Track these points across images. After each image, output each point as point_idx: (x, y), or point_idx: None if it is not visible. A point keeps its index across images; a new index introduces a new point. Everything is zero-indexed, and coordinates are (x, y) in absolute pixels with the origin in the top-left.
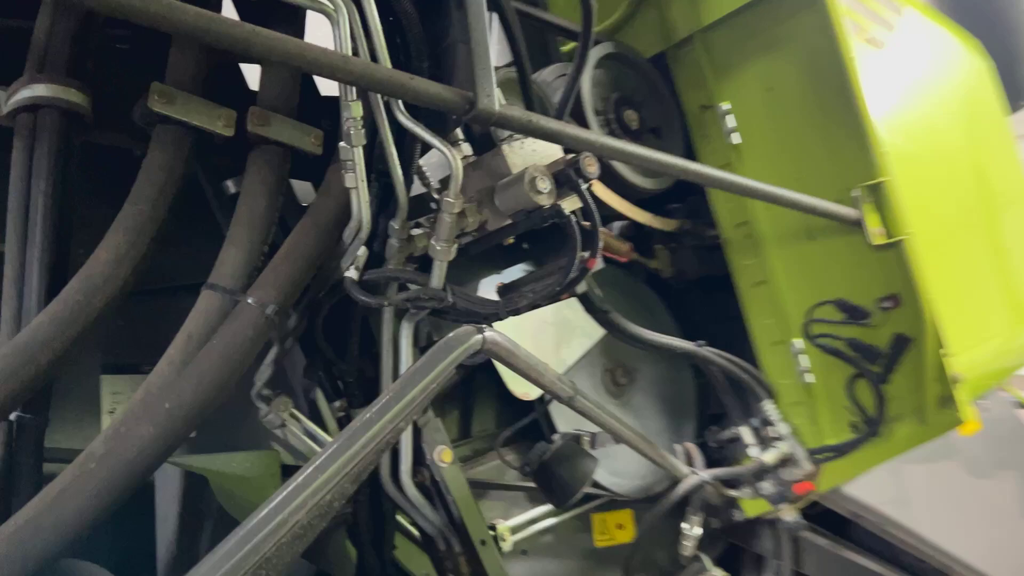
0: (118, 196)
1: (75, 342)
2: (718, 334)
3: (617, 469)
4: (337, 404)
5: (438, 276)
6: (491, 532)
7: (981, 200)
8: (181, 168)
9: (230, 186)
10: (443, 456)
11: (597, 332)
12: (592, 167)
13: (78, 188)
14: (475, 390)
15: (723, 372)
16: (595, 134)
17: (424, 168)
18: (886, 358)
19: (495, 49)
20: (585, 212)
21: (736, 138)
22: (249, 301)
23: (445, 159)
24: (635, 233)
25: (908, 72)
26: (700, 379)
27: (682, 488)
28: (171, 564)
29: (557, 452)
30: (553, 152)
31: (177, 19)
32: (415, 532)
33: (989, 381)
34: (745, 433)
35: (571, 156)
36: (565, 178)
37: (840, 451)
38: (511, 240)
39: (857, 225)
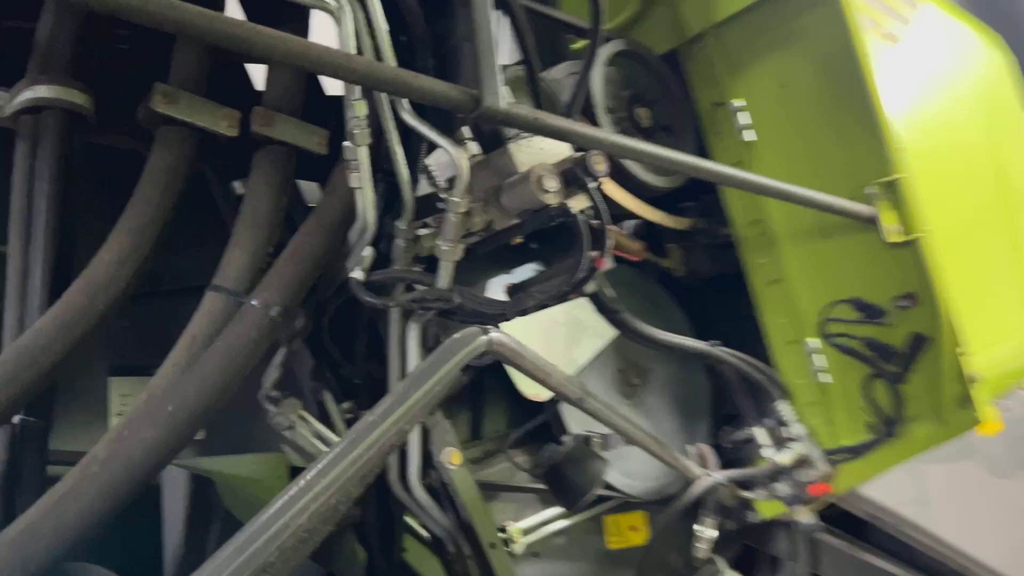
0: (122, 197)
1: (78, 344)
2: (732, 333)
3: (630, 470)
4: (345, 406)
5: (444, 276)
6: (502, 534)
7: (1000, 197)
8: (185, 169)
9: (237, 188)
10: (452, 458)
11: (609, 332)
12: (600, 165)
13: (82, 189)
14: (486, 391)
15: (737, 372)
16: (604, 132)
17: (431, 167)
18: (903, 357)
19: (505, 47)
20: (594, 211)
21: (749, 135)
22: (253, 303)
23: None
24: (647, 232)
25: (924, 67)
26: (714, 379)
27: (696, 490)
28: (178, 567)
29: (567, 454)
30: (561, 151)
31: (177, 18)
32: (425, 534)
33: (1008, 380)
34: (760, 434)
35: (579, 154)
36: (573, 177)
37: (856, 452)
38: (519, 240)
39: (872, 223)
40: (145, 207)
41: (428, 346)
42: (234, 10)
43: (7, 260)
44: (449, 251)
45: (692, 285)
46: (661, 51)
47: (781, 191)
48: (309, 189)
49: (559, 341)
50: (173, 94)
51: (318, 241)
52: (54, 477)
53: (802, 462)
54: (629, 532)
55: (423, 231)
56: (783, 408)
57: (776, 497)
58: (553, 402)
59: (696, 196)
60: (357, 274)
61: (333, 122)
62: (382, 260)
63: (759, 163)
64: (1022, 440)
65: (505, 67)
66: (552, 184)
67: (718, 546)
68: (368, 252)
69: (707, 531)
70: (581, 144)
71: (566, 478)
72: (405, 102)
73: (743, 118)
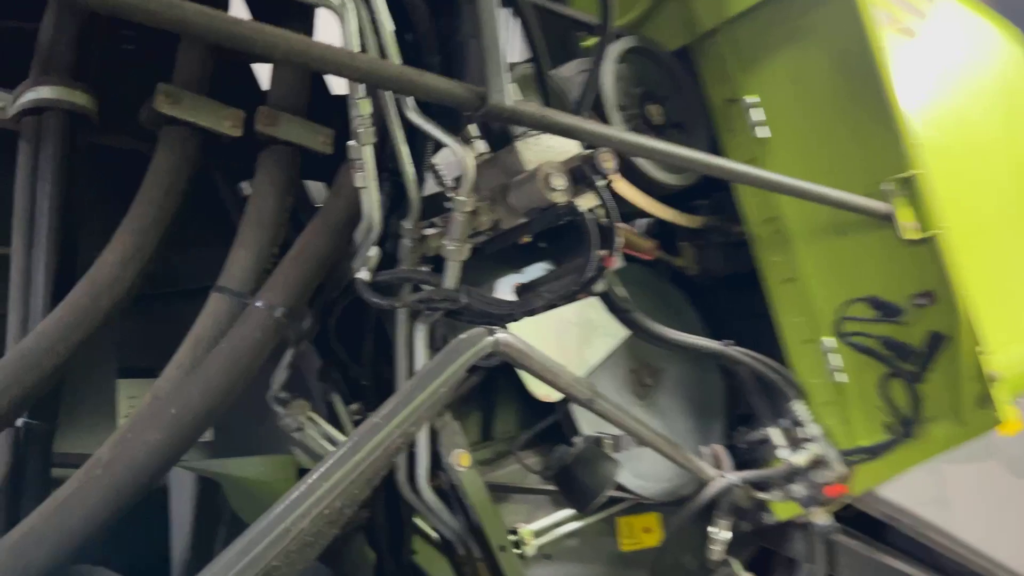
0: (127, 198)
1: (81, 346)
2: (746, 333)
3: (643, 471)
4: (353, 407)
5: (451, 277)
6: (513, 536)
7: (1020, 192)
8: (188, 170)
9: (245, 188)
10: (461, 460)
11: (621, 332)
12: (608, 163)
13: (85, 190)
14: (497, 392)
15: (752, 372)
16: (612, 129)
17: (438, 166)
18: (921, 356)
19: (515, 45)
20: (603, 209)
21: (762, 132)
22: (258, 304)
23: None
24: (660, 230)
25: (942, 62)
26: (728, 379)
27: (710, 491)
28: (186, 569)
29: (578, 456)
30: (570, 148)
31: (177, 17)
32: (435, 536)
33: None
34: (775, 434)
35: (587, 152)
36: (581, 175)
37: (873, 452)
38: (527, 239)
39: (888, 220)
40: (148, 208)
41: (436, 347)
42: (240, 10)
43: (10, 262)
44: (455, 251)
45: (705, 284)
46: (673, 47)
47: (795, 188)
48: (316, 189)
49: (571, 341)
50: (176, 94)
51: (323, 241)
52: (61, 480)
53: (818, 463)
54: (642, 534)
55: (430, 231)
56: (798, 408)
57: (792, 498)
58: (564, 403)
59: (709, 194)
60: (363, 274)
61: (339, 121)
62: (389, 260)
63: (773, 160)
64: None
65: (514, 65)
66: (559, 182)
67: (733, 547)
68: (374, 252)
69: (721, 533)
70: (589, 141)
71: (577, 480)
72: (410, 100)
73: (756, 114)
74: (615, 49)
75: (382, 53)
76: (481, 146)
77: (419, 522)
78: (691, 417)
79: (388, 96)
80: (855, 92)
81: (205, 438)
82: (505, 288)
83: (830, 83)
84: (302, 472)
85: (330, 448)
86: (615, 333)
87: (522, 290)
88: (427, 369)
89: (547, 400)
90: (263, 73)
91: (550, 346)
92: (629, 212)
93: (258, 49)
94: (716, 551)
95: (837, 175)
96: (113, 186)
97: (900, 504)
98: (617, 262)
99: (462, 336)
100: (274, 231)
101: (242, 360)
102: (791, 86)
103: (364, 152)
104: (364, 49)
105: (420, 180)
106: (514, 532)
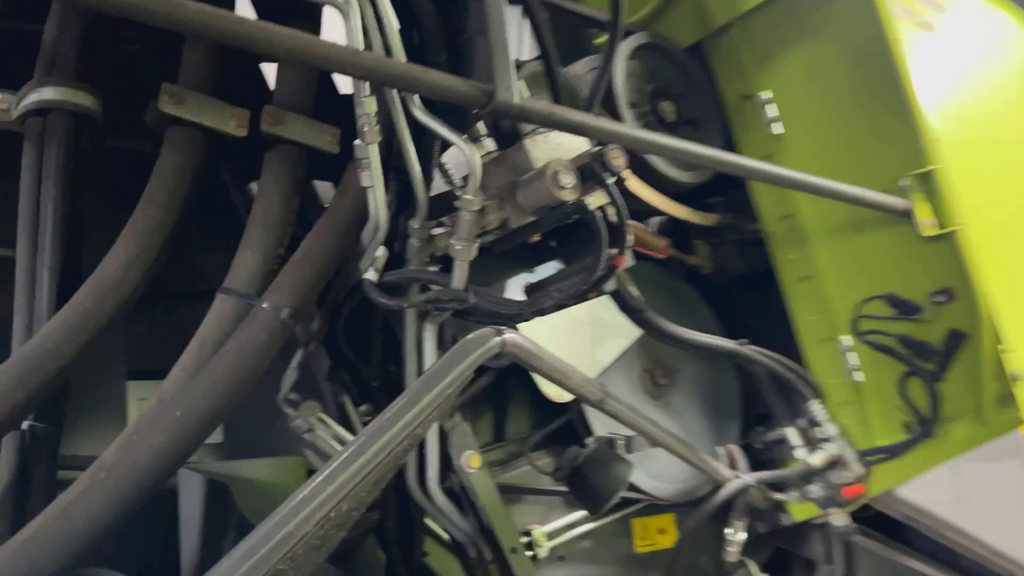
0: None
1: (86, 348)
2: (761, 331)
3: (657, 472)
4: (363, 408)
5: (459, 276)
6: (526, 538)
7: None
8: (194, 170)
9: (255, 190)
10: (471, 461)
11: (634, 331)
12: (618, 160)
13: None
14: (509, 392)
15: (767, 371)
16: (622, 125)
17: (447, 165)
18: (940, 355)
19: (526, 43)
20: (613, 207)
21: (777, 128)
22: (264, 305)
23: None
24: (673, 228)
25: (961, 56)
26: (744, 379)
27: (725, 492)
28: (195, 572)
29: (590, 457)
30: (580, 146)
31: (178, 15)
32: (447, 537)
33: None
34: (791, 434)
35: (596, 149)
36: (590, 172)
37: (892, 452)
38: (537, 238)
39: (906, 216)
40: (153, 209)
41: (445, 347)
42: (246, 10)
43: (15, 264)
44: (463, 250)
45: (720, 282)
46: (685, 44)
47: (811, 185)
48: (325, 189)
49: (583, 341)
50: (180, 94)
51: (329, 242)
52: (71, 482)
53: (835, 463)
54: (657, 535)
55: (438, 230)
56: (815, 408)
57: (809, 499)
58: (576, 403)
59: (723, 191)
60: (370, 275)
61: (347, 120)
62: (398, 260)
63: (788, 156)
64: None
65: (524, 63)
66: (568, 180)
67: (750, 548)
68: (381, 252)
69: (737, 534)
70: (599, 138)
71: (589, 481)
72: (416, 98)
73: (771, 110)
74: (627, 46)
75: (387, 51)
76: (489, 144)
77: (431, 523)
78: (706, 417)
79: (394, 94)
80: (872, 87)
81: (216, 440)
82: (517, 288)
83: (846, 78)
84: (312, 474)
85: (340, 449)
86: (628, 333)
87: (532, 289)
88: (433, 370)
89: (559, 400)
90: (273, 74)
91: (563, 346)
92: (642, 210)
93: (260, 47)
94: (732, 552)
95: (854, 171)
96: (118, 188)
97: (919, 505)
98: (627, 261)
99: (469, 336)
100: (280, 232)
101: (247, 362)
102: (806, 81)
103: (370, 151)
104: (369, 47)
105: (428, 179)
106: (527, 534)
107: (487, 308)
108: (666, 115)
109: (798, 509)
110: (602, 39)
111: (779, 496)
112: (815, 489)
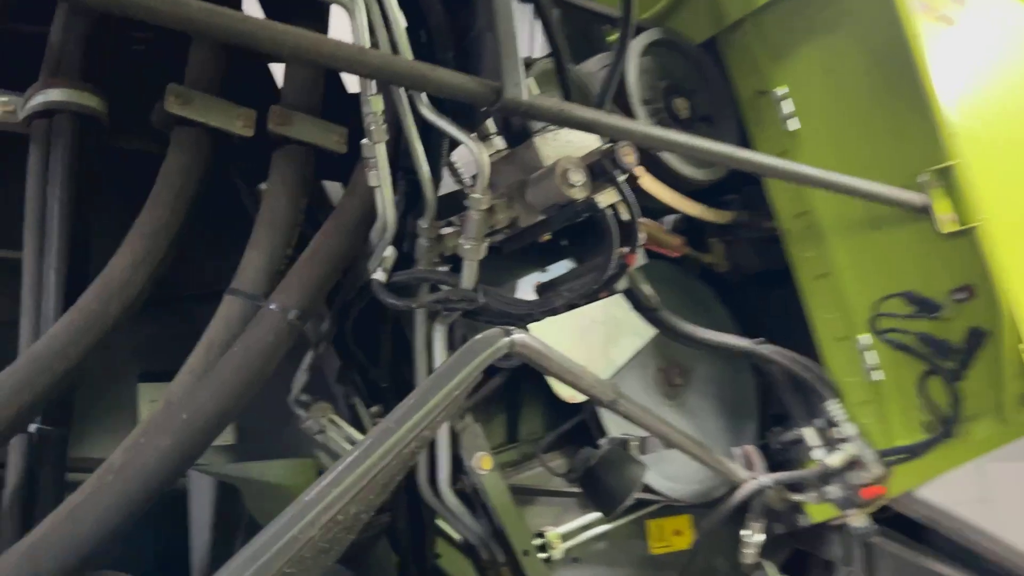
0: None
1: (92, 349)
2: (778, 330)
3: (672, 473)
4: (374, 409)
5: (468, 276)
6: (539, 540)
7: None
8: (200, 171)
9: (263, 189)
10: (482, 463)
11: (648, 331)
12: (629, 157)
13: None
14: (522, 393)
15: (784, 371)
16: (633, 122)
17: (456, 163)
18: (960, 353)
19: (538, 41)
20: (624, 205)
21: (793, 124)
22: (271, 306)
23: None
24: (688, 226)
25: (982, 50)
26: (761, 378)
27: (742, 493)
28: (205, 574)
29: (603, 458)
30: (591, 144)
31: (181, 14)
32: (459, 538)
33: None
34: (809, 434)
35: (606, 146)
36: (600, 170)
37: (912, 452)
38: (548, 237)
39: (925, 212)
40: (160, 211)
41: (455, 348)
42: (254, 9)
43: (21, 266)
44: (472, 250)
45: (735, 280)
46: (699, 39)
47: (828, 181)
48: (334, 189)
49: (597, 341)
50: (186, 95)
51: (337, 242)
52: (79, 484)
53: (854, 464)
54: (673, 536)
55: (447, 230)
56: (833, 407)
57: (827, 500)
58: (590, 403)
59: (739, 189)
60: (379, 275)
61: (355, 120)
62: (407, 260)
63: (804, 152)
64: None
65: (534, 60)
66: (578, 178)
67: (767, 550)
68: (390, 252)
69: (754, 536)
70: (611, 135)
71: (602, 483)
72: (424, 97)
73: (786, 106)
74: (639, 42)
75: (394, 49)
76: (499, 142)
77: (443, 524)
78: (722, 417)
79: (401, 93)
80: (890, 81)
81: (228, 441)
82: (529, 287)
83: (864, 73)
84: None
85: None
86: (642, 332)
87: (542, 289)
88: (440, 372)
89: (572, 401)
90: (282, 73)
91: (576, 346)
92: (657, 208)
93: (264, 46)
94: (749, 554)
95: (871, 167)
96: (124, 189)
97: (940, 506)
98: (639, 259)
99: (477, 337)
100: (287, 232)
101: (255, 363)
102: (822, 76)
103: (377, 150)
104: (375, 45)
105: (437, 178)
106: (541, 535)
107: (497, 308)
108: (680, 112)
109: (816, 510)
110: (615, 36)
111: (797, 497)
112: (833, 490)
